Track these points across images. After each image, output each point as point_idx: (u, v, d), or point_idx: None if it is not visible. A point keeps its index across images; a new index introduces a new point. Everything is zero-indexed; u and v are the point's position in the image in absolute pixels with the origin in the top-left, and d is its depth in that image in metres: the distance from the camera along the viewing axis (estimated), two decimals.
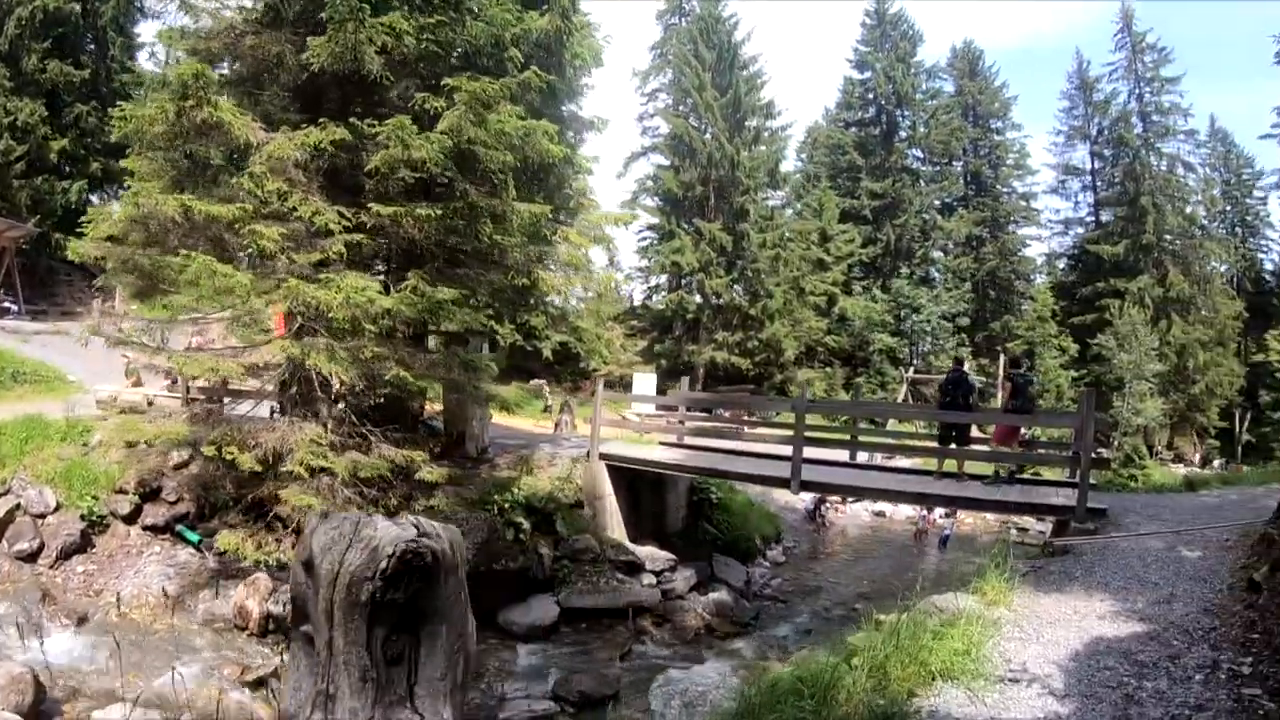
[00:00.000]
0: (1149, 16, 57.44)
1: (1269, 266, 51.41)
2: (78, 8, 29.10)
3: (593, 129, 17.45)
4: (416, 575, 4.08)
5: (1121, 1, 45.99)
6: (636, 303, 43.54)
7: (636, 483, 13.88)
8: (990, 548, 7.49)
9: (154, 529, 11.28)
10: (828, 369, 41.01)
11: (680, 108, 40.00)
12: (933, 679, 4.69)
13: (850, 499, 21.59)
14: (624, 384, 31.73)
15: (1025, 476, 12.62)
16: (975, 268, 48.41)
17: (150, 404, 14.13)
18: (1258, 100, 34.95)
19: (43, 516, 10.77)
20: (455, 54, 11.76)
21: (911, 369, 40.14)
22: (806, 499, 20.03)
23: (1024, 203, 51.73)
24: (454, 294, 10.89)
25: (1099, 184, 49.06)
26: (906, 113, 48.52)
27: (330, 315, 10.08)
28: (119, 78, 30.78)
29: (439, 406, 14.93)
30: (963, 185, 50.72)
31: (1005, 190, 51.45)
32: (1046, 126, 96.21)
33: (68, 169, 29.28)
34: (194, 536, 11.24)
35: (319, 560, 4.15)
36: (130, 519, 11.25)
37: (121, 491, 11.36)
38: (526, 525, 12.13)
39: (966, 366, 15.11)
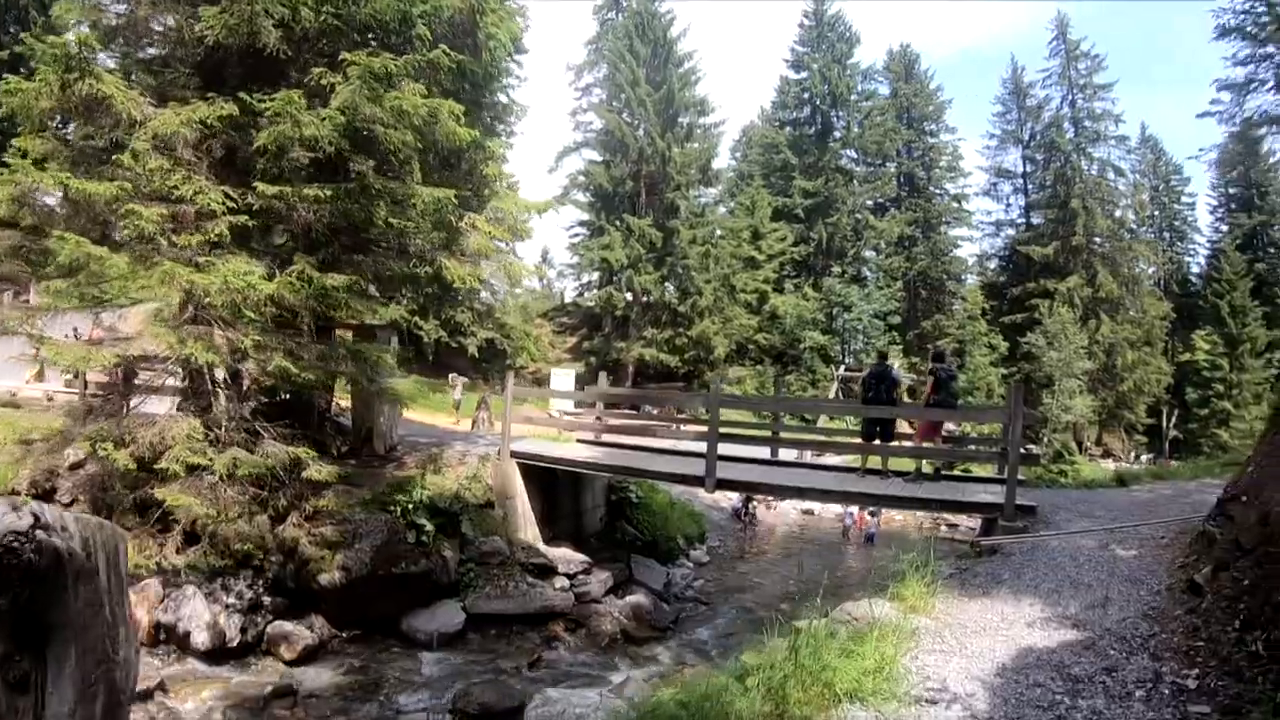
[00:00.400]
0: (1085, 25, 58.64)
1: (1195, 270, 53.53)
2: None
3: (512, 114, 16.79)
4: (24, 577, 3.19)
5: (1057, 9, 47.11)
6: (568, 299, 42.71)
7: (552, 482, 13.20)
8: (918, 545, 6.94)
9: None
10: (759, 367, 40.83)
11: (614, 103, 39.53)
12: (838, 701, 4.04)
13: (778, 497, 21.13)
14: (537, 380, 30.98)
15: (954, 473, 12.27)
16: (907, 267, 48.83)
17: (50, 400, 13.52)
18: (1190, 106, 35.68)
19: None
20: (358, 30, 11.16)
21: (843, 367, 40.23)
22: (734, 497, 19.52)
23: (956, 204, 52.43)
24: (344, 281, 10.32)
25: (1030, 187, 50.04)
26: (841, 113, 48.64)
27: (207, 301, 9.61)
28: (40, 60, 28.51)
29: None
30: (896, 186, 51.18)
31: (938, 191, 52.15)
32: (980, 130, 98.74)
33: None
34: None
35: None
36: None
37: (14, 493, 10.41)
38: (430, 527, 11.39)
39: (894, 362, 14.70)
